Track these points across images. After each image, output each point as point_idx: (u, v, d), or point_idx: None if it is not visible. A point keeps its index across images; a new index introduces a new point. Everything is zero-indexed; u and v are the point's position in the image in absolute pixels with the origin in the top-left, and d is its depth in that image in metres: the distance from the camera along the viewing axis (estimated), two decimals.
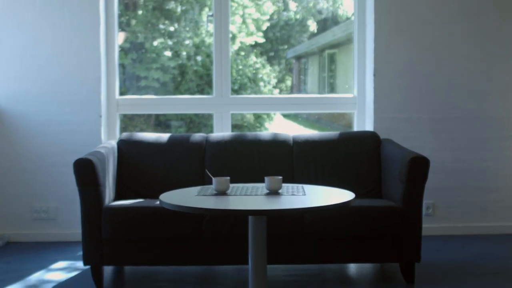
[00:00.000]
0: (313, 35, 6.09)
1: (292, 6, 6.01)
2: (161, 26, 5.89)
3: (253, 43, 5.98)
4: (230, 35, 5.57)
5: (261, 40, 5.97)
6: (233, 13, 5.75)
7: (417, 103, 5.49)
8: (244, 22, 5.94)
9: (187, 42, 5.91)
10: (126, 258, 4.32)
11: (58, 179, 5.33)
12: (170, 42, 5.88)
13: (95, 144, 5.12)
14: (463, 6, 5.48)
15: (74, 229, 5.17)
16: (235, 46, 5.89)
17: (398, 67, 5.46)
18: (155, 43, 5.86)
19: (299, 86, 6.40)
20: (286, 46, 6.18)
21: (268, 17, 5.96)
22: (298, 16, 5.97)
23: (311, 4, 5.97)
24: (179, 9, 5.90)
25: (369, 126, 5.50)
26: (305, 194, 3.61)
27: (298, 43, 6.20)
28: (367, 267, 4.68)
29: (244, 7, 5.94)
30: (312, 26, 6.02)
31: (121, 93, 5.64)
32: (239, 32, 5.92)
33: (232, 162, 4.76)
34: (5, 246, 5.27)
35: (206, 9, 5.88)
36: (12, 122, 5.36)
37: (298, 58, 6.37)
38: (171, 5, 5.90)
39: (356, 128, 5.62)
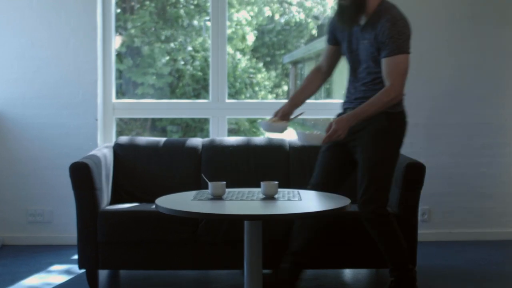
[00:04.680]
0: (310, 40, 6.10)
1: (292, 10, 6.02)
2: (158, 31, 5.89)
3: (250, 45, 6.00)
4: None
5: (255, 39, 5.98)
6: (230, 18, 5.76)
7: (414, 109, 5.45)
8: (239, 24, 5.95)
9: (184, 46, 5.92)
10: (121, 262, 4.32)
11: (53, 183, 5.32)
12: (167, 47, 5.89)
13: (91, 148, 5.12)
14: (460, 12, 5.49)
15: (69, 233, 5.16)
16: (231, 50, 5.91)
17: None
18: (151, 48, 5.87)
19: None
20: (282, 51, 6.19)
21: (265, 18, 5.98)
22: (297, 19, 5.98)
23: (308, 10, 5.98)
24: (177, 14, 5.91)
25: None
26: (301, 199, 3.61)
27: (294, 48, 6.21)
28: (362, 272, 4.68)
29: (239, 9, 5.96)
30: (312, 31, 6.03)
31: (118, 97, 5.64)
32: (234, 36, 5.93)
33: (228, 166, 4.75)
34: (0, 249, 5.26)
35: (204, 14, 5.89)
36: (8, 125, 5.36)
37: (295, 63, 6.39)
38: (169, 10, 5.90)
39: None
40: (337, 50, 3.93)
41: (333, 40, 3.90)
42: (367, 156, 3.80)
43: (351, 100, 3.92)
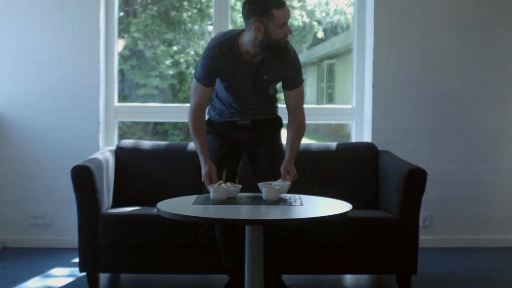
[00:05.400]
0: (312, 45, 6.09)
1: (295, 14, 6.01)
2: (161, 34, 5.90)
3: None
4: None
5: None
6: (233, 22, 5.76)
7: (416, 115, 5.50)
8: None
9: (187, 50, 5.92)
10: (122, 265, 4.32)
11: (55, 185, 5.33)
12: (169, 50, 5.89)
13: (93, 151, 5.12)
14: (462, 17, 5.49)
15: (70, 236, 5.15)
16: None
17: (397, 79, 5.47)
18: (154, 51, 5.87)
19: None
20: None
21: None
22: (300, 23, 5.96)
23: (311, 13, 5.98)
24: (179, 18, 5.91)
25: (367, 137, 5.50)
26: (302, 205, 3.61)
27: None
28: (363, 278, 4.68)
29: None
30: (318, 34, 6.01)
31: (120, 100, 5.65)
32: None
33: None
34: (1, 251, 5.26)
35: (207, 18, 5.89)
36: (10, 127, 5.36)
37: None
38: (172, 13, 5.91)
39: (354, 139, 5.62)
40: (212, 88, 4.02)
41: (212, 82, 3.97)
42: (276, 154, 4.12)
43: (244, 114, 4.11)
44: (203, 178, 3.88)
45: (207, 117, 4.24)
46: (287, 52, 3.83)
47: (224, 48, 3.88)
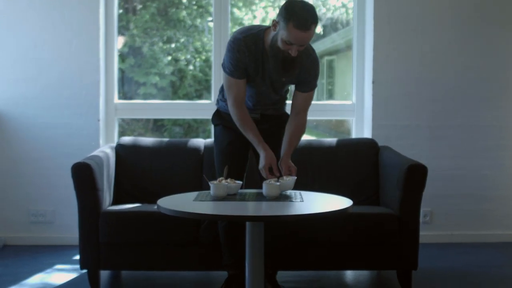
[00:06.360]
0: (312, 41, 6.08)
1: None
2: (160, 31, 5.89)
3: None
4: None
5: None
6: (233, 19, 5.76)
7: (416, 111, 5.50)
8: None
9: (186, 47, 5.92)
10: (123, 262, 4.32)
11: (56, 183, 5.33)
12: (169, 47, 5.89)
13: (93, 148, 5.12)
14: (462, 14, 5.49)
15: (71, 233, 5.17)
16: None
17: (397, 75, 5.47)
18: (154, 48, 5.87)
19: None
20: None
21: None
22: None
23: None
24: (179, 14, 5.91)
25: (367, 133, 5.50)
26: (302, 201, 3.61)
27: None
28: (364, 274, 4.68)
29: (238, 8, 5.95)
30: (317, 29, 6.01)
31: (120, 98, 5.65)
32: None
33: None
34: (1, 249, 5.27)
35: (207, 14, 5.89)
36: (10, 125, 5.36)
37: None
38: (171, 10, 5.90)
39: (354, 135, 5.63)
40: (245, 80, 3.98)
41: (243, 74, 3.93)
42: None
43: (255, 108, 4.11)
44: (261, 167, 3.83)
45: (215, 107, 4.24)
46: (291, 62, 3.78)
47: (249, 43, 3.85)
